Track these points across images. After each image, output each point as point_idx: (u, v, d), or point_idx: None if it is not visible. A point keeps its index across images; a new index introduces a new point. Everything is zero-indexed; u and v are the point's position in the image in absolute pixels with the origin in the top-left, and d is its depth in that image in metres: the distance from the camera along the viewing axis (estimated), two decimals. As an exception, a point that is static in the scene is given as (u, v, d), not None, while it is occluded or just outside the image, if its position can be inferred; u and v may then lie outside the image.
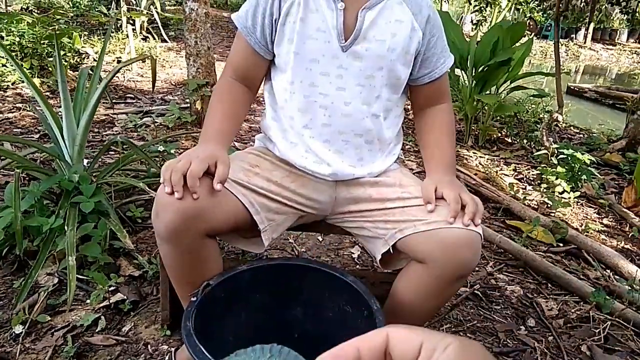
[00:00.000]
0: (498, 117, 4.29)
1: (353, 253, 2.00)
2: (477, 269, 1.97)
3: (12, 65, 3.92)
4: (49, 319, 1.48)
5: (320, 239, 2.10)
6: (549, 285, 1.94)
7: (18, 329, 1.43)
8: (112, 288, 1.58)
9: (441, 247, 1.06)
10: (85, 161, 1.98)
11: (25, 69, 2.61)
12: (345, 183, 1.24)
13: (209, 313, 1.06)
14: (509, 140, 4.03)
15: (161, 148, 2.19)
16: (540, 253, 2.17)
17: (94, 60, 4.71)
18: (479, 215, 1.08)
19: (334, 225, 1.33)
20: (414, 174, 1.38)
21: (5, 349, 1.38)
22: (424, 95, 1.29)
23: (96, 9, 6.43)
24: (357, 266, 1.93)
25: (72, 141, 1.87)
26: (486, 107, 3.81)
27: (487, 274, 1.97)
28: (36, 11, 5.21)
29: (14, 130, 3.06)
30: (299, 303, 1.26)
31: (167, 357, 1.26)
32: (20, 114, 3.34)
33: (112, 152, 2.75)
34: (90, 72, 2.08)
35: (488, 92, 3.71)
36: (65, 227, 1.63)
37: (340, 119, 1.18)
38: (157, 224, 1.04)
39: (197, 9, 3.14)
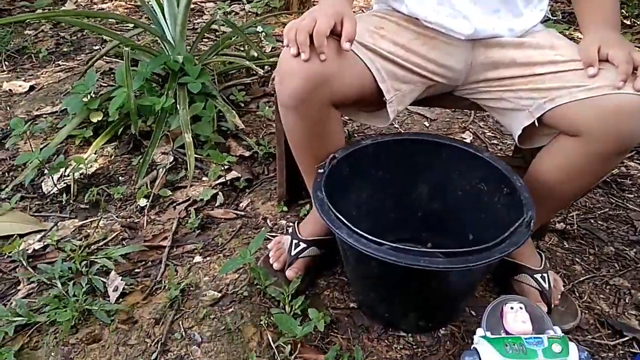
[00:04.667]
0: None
1: (465, 138, 1.86)
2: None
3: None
4: (170, 193, 1.53)
5: (427, 124, 1.98)
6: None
7: (142, 202, 1.50)
8: (225, 167, 1.59)
9: (603, 117, 0.90)
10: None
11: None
12: (483, 44, 1.08)
13: (333, 187, 1.01)
14: (628, 23, 3.51)
15: (260, 29, 2.09)
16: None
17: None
18: None
19: (462, 98, 1.19)
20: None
21: (133, 220, 1.45)
22: None
23: None
24: (470, 152, 1.81)
25: (174, 21, 1.82)
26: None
27: (617, 161, 1.77)
28: None
29: (109, 20, 3.08)
30: (425, 180, 1.18)
31: (289, 230, 1.26)
32: (113, 4, 3.34)
33: (206, 40, 2.69)
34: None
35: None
36: (177, 106, 1.63)
37: None
38: (281, 91, 0.97)
39: None
